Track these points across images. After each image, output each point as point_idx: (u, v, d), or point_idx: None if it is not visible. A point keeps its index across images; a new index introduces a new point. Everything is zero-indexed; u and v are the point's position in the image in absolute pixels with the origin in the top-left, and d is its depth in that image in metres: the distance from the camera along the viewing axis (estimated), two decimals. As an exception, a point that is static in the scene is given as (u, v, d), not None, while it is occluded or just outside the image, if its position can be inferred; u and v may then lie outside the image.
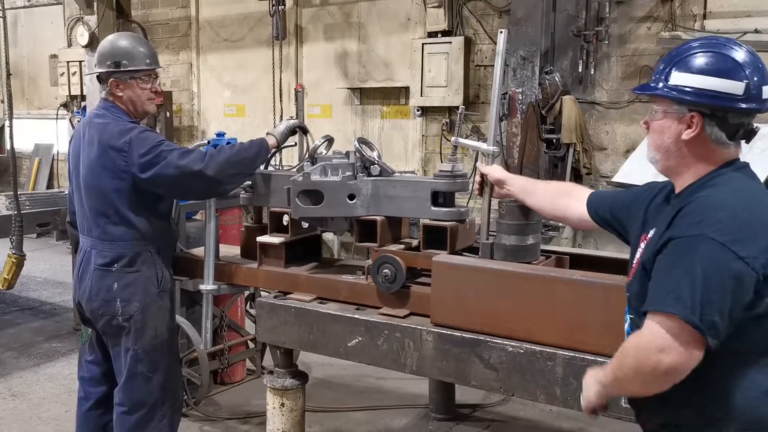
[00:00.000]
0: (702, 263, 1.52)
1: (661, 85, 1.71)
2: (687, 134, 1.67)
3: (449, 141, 6.59)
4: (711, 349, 1.52)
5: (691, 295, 1.50)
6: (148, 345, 3.05)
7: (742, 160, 1.75)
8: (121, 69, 3.01)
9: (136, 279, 3.01)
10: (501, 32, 2.62)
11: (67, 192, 3.33)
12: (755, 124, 1.70)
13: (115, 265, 3.00)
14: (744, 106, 1.63)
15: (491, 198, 2.58)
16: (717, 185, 1.65)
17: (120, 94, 3.05)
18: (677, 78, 1.67)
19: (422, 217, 2.83)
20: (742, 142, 1.71)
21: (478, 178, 2.58)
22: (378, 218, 2.84)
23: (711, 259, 1.52)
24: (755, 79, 1.64)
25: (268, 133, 3.15)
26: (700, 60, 1.66)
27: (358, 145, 2.88)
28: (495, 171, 2.51)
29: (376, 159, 2.90)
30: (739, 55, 1.66)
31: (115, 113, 3.03)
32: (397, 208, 2.85)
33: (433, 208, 2.76)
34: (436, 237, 2.74)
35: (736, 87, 1.62)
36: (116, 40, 3.13)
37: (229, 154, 2.96)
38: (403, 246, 2.88)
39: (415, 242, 2.92)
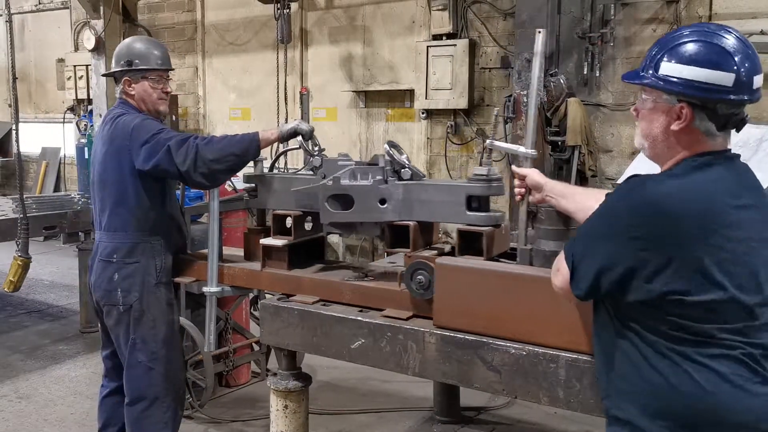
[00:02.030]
0: (597, 219, 1.73)
1: (650, 73, 1.69)
2: (676, 125, 1.67)
3: (454, 144, 6.64)
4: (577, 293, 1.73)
5: (578, 240, 1.75)
6: (146, 335, 3.13)
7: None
8: (133, 68, 3.17)
9: (135, 269, 3.12)
10: (539, 32, 2.50)
11: (73, 195, 3.40)
12: (746, 114, 1.68)
13: (115, 256, 3.11)
14: (734, 97, 1.61)
15: (529, 202, 2.48)
16: (675, 175, 1.67)
17: (132, 92, 3.21)
18: (666, 68, 1.65)
19: (457, 222, 2.74)
20: (733, 131, 1.71)
21: (516, 182, 2.48)
22: (410, 223, 2.76)
23: (602, 218, 1.71)
24: (745, 69, 1.61)
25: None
26: (689, 49, 1.64)
27: (388, 149, 2.81)
28: (533, 175, 2.40)
29: (407, 162, 2.82)
30: (730, 43, 1.63)
31: (126, 109, 3.18)
32: (431, 213, 2.75)
33: (468, 213, 2.66)
34: (471, 242, 2.66)
35: (725, 78, 1.60)
36: (132, 42, 3.32)
37: (216, 149, 2.98)
38: (435, 251, 2.79)
39: (447, 248, 2.85)
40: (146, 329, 3.14)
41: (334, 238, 6.98)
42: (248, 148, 3.03)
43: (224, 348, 4.41)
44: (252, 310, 4.81)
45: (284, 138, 3.08)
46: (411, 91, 6.82)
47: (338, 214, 2.81)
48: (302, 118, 7.48)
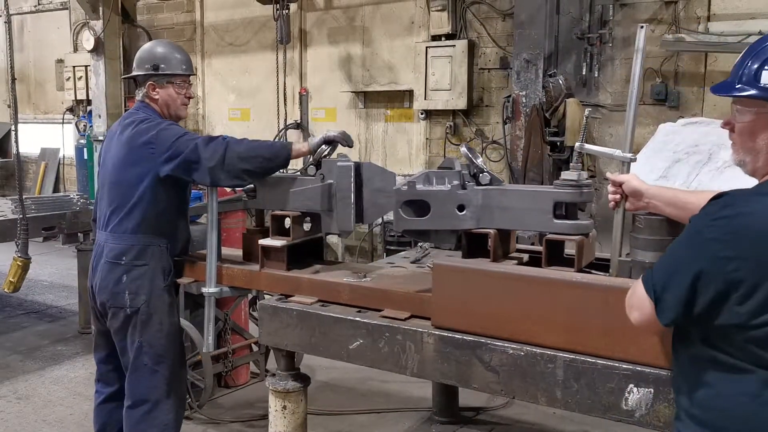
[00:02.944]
0: (682, 243, 1.65)
1: (749, 85, 1.63)
2: None
3: (453, 144, 6.64)
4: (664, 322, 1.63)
5: (659, 269, 1.66)
6: (153, 338, 3.12)
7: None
8: (159, 72, 3.18)
9: (145, 272, 3.11)
10: (641, 27, 2.33)
11: (72, 196, 3.39)
12: None
13: (124, 258, 3.09)
14: None
15: (625, 210, 2.32)
16: (763, 191, 1.61)
17: (156, 96, 3.21)
18: None
19: (543, 231, 2.57)
20: None
21: (610, 188, 2.31)
22: (491, 231, 2.61)
23: (689, 247, 1.62)
24: None
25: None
26: None
27: (465, 152, 2.68)
28: (631, 181, 2.24)
29: (485, 167, 2.67)
30: None
31: (148, 113, 3.18)
32: (512, 220, 2.59)
33: (555, 221, 2.49)
34: (557, 252, 2.53)
35: None
36: (155, 45, 3.33)
37: (246, 148, 2.99)
38: (515, 261, 2.68)
39: (525, 257, 2.75)
40: (153, 332, 3.11)
41: (333, 239, 6.98)
42: (279, 153, 3.02)
43: (223, 348, 4.41)
44: (251, 311, 4.81)
45: (314, 150, 3.06)
46: (410, 92, 6.82)
47: (414, 221, 2.67)
48: (301, 119, 7.49)
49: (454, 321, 2.50)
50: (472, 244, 2.67)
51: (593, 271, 2.51)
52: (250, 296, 4.60)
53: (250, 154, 2.98)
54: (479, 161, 2.66)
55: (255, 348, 4.68)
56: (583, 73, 5.74)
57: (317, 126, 7.52)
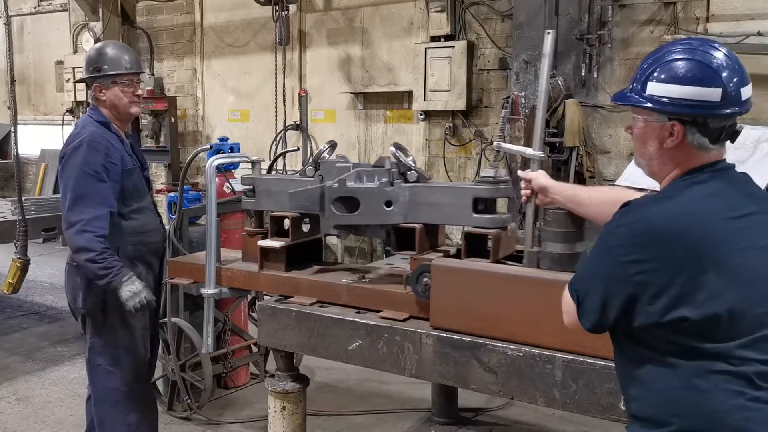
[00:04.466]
0: (594, 252, 1.74)
1: (638, 94, 1.70)
2: (669, 143, 1.68)
3: (452, 145, 6.64)
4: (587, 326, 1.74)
5: (579, 275, 1.77)
6: (106, 339, 3.17)
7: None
8: (102, 74, 3.17)
9: None
10: (548, 33, 2.52)
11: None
12: (739, 124, 1.69)
13: (75, 260, 3.15)
14: (723, 111, 1.63)
15: (536, 205, 2.48)
16: (665, 197, 1.68)
17: (103, 98, 3.21)
18: (653, 88, 1.67)
19: (463, 224, 2.75)
20: (727, 142, 1.71)
21: (522, 185, 2.48)
22: (417, 226, 2.75)
23: (598, 254, 1.72)
24: (732, 82, 1.62)
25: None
26: (674, 68, 1.65)
27: (394, 151, 2.81)
28: (539, 177, 2.41)
29: (413, 165, 2.82)
30: (714, 59, 1.64)
31: (92, 116, 3.21)
32: (437, 215, 2.75)
33: (475, 215, 2.66)
34: (477, 245, 2.66)
35: (712, 94, 1.61)
36: (101, 47, 3.31)
37: (87, 259, 3.01)
38: (441, 254, 2.80)
39: (452, 250, 2.86)
40: (105, 333, 3.18)
41: (332, 240, 6.98)
42: (100, 276, 3.01)
43: (223, 350, 4.41)
44: (251, 312, 4.81)
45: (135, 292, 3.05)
46: (409, 93, 6.82)
47: (344, 216, 2.80)
48: (301, 120, 7.49)
49: (452, 322, 2.51)
50: (400, 238, 2.82)
51: (508, 262, 2.65)
52: (249, 297, 4.60)
53: (86, 257, 3.01)
54: (409, 159, 2.81)
55: (254, 349, 4.68)
56: (582, 73, 5.73)
57: (317, 127, 7.52)
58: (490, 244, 2.64)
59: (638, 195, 2.23)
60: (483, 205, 2.68)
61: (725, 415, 1.56)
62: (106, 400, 3.22)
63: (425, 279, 2.62)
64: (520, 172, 2.49)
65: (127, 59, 3.22)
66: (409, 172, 2.79)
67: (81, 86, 8.77)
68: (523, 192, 2.47)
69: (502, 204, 3.05)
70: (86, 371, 3.29)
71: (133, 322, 3.23)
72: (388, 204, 2.75)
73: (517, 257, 2.71)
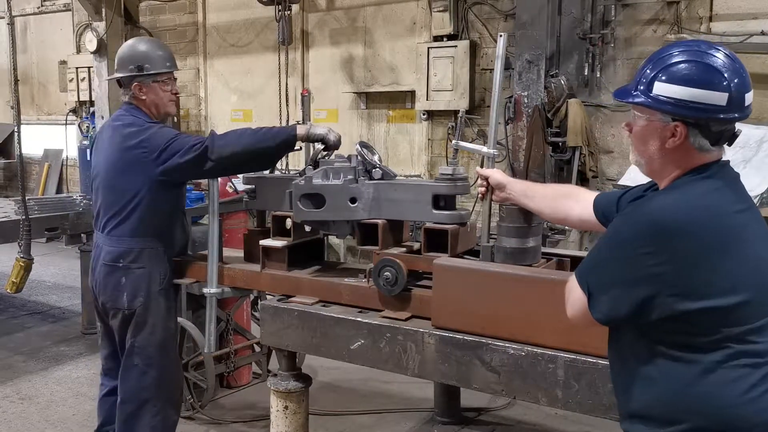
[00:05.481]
0: (605, 245, 1.72)
1: (643, 93, 1.70)
2: (671, 143, 1.69)
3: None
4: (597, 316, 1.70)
5: (588, 266, 1.74)
6: (144, 340, 3.15)
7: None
8: (144, 73, 3.13)
9: (142, 274, 3.13)
10: (501, 36, 2.64)
11: (75, 197, 3.39)
12: (738, 128, 1.71)
13: (122, 261, 3.11)
14: (726, 115, 1.64)
15: (492, 201, 2.59)
16: (674, 189, 1.70)
17: (143, 97, 3.16)
18: (660, 88, 1.67)
19: (423, 220, 2.83)
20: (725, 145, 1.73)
21: (480, 182, 2.59)
22: (379, 221, 2.84)
23: (610, 247, 1.70)
24: (737, 87, 1.64)
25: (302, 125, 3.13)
26: (683, 70, 1.65)
27: (359, 149, 2.90)
28: (495, 174, 2.53)
29: (378, 162, 2.91)
30: (721, 63, 1.65)
31: (136, 115, 3.14)
32: (399, 212, 2.84)
33: (434, 212, 2.75)
34: (437, 240, 2.74)
35: (719, 98, 1.63)
36: (136, 44, 3.25)
37: (247, 143, 3.01)
38: (404, 249, 2.88)
39: (416, 245, 2.92)
40: (145, 335, 3.15)
41: (334, 239, 6.98)
42: (285, 140, 3.03)
43: (225, 349, 4.41)
44: (253, 311, 4.82)
45: (310, 139, 3.10)
46: (412, 93, 6.82)
47: (311, 212, 2.90)
48: (303, 120, 7.49)
49: (454, 321, 2.51)
50: (364, 234, 2.90)
51: (467, 257, 2.74)
52: (251, 297, 4.60)
53: (250, 142, 3.00)
54: (375, 158, 2.90)
55: (257, 348, 4.69)
56: (585, 73, 5.73)
57: (319, 127, 7.52)
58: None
59: (583, 191, 2.33)
60: (443, 201, 2.76)
61: (747, 405, 1.57)
62: (134, 400, 3.18)
63: (386, 273, 2.71)
64: (477, 169, 2.62)
65: (164, 56, 3.19)
66: (374, 170, 2.89)
67: (84, 86, 8.79)
68: (479, 189, 2.58)
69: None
70: (120, 370, 3.22)
71: (170, 324, 3.25)
72: (353, 200, 2.84)
73: (476, 252, 2.78)
